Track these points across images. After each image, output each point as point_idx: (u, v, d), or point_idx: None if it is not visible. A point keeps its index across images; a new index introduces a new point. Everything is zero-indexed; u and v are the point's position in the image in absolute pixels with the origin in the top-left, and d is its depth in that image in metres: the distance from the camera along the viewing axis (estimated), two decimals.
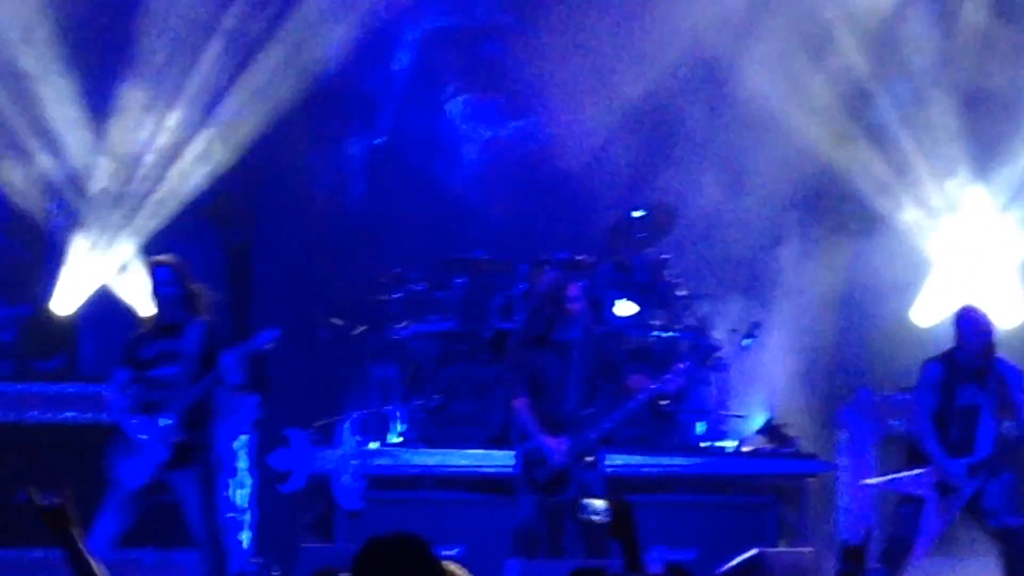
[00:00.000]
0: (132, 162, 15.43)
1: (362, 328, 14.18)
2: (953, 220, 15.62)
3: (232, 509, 14.03)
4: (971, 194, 15.56)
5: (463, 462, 13.89)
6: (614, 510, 8.41)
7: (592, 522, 10.83)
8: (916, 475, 11.91)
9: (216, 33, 15.67)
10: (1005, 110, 15.71)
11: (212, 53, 15.73)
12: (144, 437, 12.02)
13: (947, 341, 12.47)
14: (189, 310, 12.23)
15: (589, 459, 11.88)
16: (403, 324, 14.83)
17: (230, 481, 14.12)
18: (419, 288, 14.89)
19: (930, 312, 14.90)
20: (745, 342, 14.74)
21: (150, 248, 15.32)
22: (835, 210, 16.13)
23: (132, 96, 15.57)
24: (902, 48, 15.86)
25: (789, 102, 15.67)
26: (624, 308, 13.79)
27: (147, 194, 15.48)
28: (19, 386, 13.94)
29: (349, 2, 15.97)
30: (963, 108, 15.78)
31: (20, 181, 15.60)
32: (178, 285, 12.26)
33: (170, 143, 15.52)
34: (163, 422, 11.92)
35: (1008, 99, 15.75)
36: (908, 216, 15.55)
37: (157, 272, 12.47)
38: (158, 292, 12.36)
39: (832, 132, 15.71)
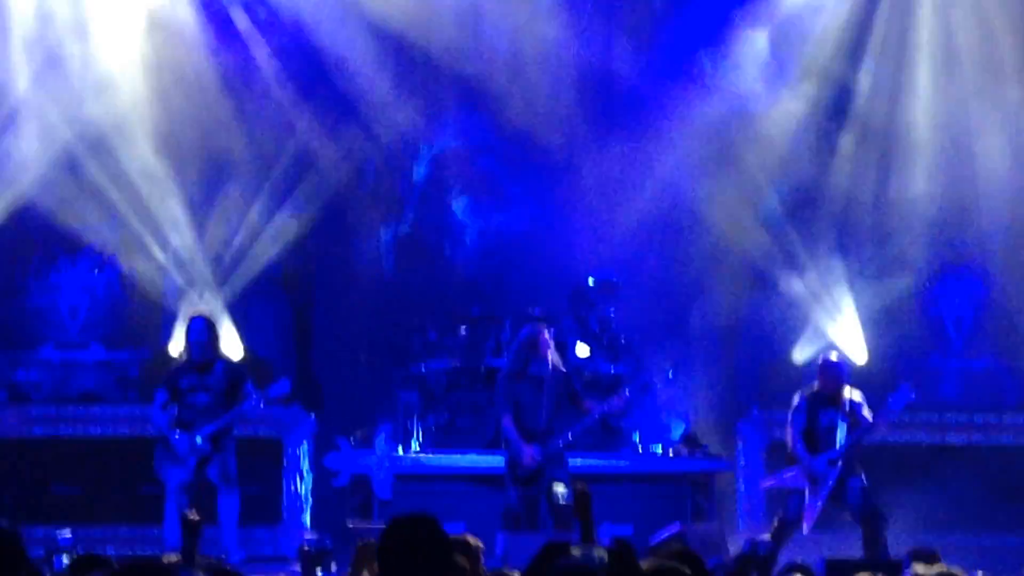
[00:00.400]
0: (224, 243, 15.39)
1: None
2: (821, 287, 15.44)
3: (296, 498, 14.19)
4: (834, 268, 15.49)
5: (465, 463, 13.95)
6: (575, 496, 8.83)
7: (559, 505, 11.51)
8: (793, 473, 12.23)
9: (286, 147, 15.53)
10: (856, 209, 15.75)
11: (284, 160, 15.58)
12: (183, 449, 12.06)
13: (814, 375, 12.66)
14: (215, 352, 12.52)
15: (556, 460, 11.94)
16: (421, 362, 14.80)
17: (296, 476, 14.21)
18: (432, 336, 14.95)
19: (803, 353, 14.78)
20: (669, 375, 14.73)
21: (237, 305, 15.40)
22: (736, 277, 15.81)
23: (225, 193, 15.49)
24: (789, 161, 15.83)
25: (709, 201, 15.59)
26: (581, 351, 13.91)
27: (235, 265, 15.38)
28: (141, 409, 13.66)
29: (384, 127, 15.64)
30: (830, 207, 15.66)
31: (143, 261, 15.36)
32: (207, 333, 12.53)
33: (252, 228, 15.47)
34: (198, 439, 11.99)
35: (860, 201, 15.76)
36: (790, 282, 15.42)
37: (192, 322, 12.74)
38: (190, 338, 12.56)
39: (736, 222, 15.62)
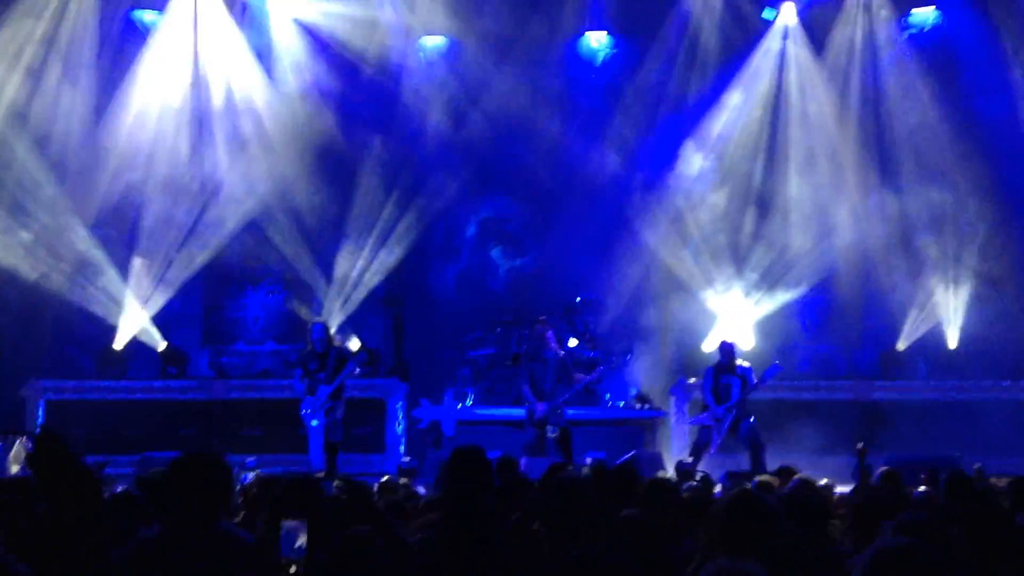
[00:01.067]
0: (344, 275, 15.18)
1: None
2: (726, 298, 15.31)
3: (394, 436, 13.94)
4: (734, 285, 15.33)
5: (500, 413, 13.64)
6: (561, 435, 8.86)
7: (556, 438, 11.63)
8: (705, 416, 12.29)
9: (384, 212, 15.24)
10: (752, 249, 15.54)
11: (383, 220, 15.25)
12: (312, 406, 11.99)
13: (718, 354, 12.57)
14: (329, 344, 12.33)
15: (556, 412, 11.90)
16: (472, 350, 14.80)
17: (395, 423, 14.03)
18: (478, 334, 14.91)
19: (710, 343, 14.49)
20: (628, 357, 14.42)
21: (354, 317, 15.24)
22: (671, 292, 15.35)
23: (345, 243, 15.27)
24: (710, 222, 15.55)
25: (659, 246, 15.43)
26: (572, 343, 13.76)
27: (353, 289, 15.22)
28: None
29: (449, 203, 15.57)
30: (735, 248, 15.54)
31: (298, 288, 15.47)
32: (324, 333, 12.33)
33: (364, 262, 15.21)
34: (319, 398, 11.91)
35: (755, 244, 15.58)
36: (706, 295, 15.32)
37: (315, 326, 12.47)
38: (313, 336, 12.27)
39: (675, 259, 15.45)
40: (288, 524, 2.95)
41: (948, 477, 6.23)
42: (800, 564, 3.90)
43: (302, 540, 2.90)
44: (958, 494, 5.93)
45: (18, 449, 10.43)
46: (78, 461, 2.03)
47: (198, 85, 15.17)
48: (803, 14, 15.83)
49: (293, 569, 2.87)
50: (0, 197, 14.01)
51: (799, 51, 15.84)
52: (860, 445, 10.16)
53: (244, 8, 15.41)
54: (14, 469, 9.93)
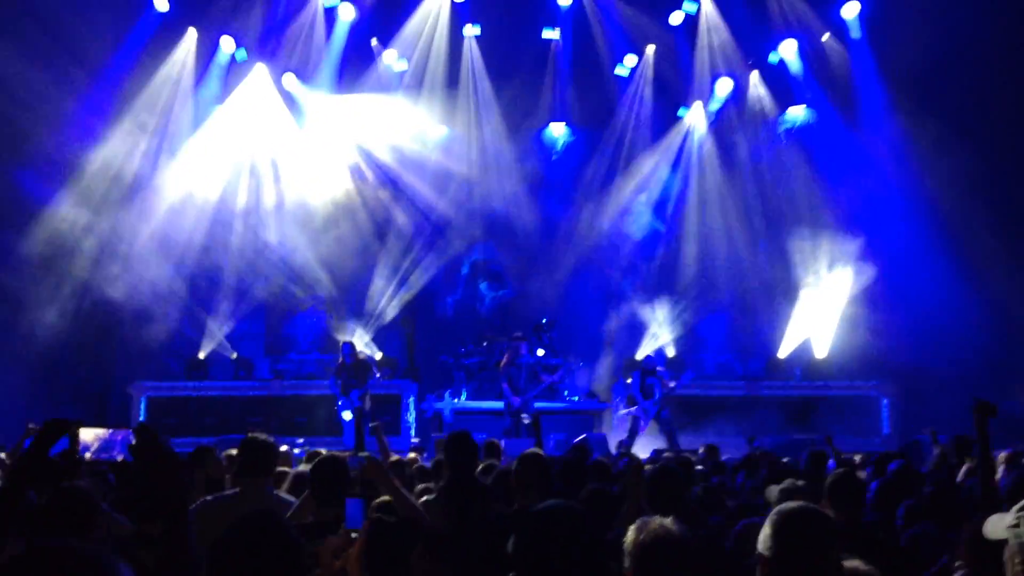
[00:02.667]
0: (375, 306, 15.01)
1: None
2: (655, 317, 14.97)
3: (406, 423, 13.65)
4: (664, 306, 15.00)
5: (486, 406, 13.39)
6: (533, 418, 8.70)
7: (528, 424, 11.35)
8: (636, 408, 12.13)
9: (403, 261, 15.12)
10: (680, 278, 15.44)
11: (402, 264, 15.12)
12: (345, 404, 11.98)
13: (645, 361, 12.47)
14: (355, 357, 12.24)
15: (528, 404, 11.83)
16: (465, 359, 14.48)
17: (408, 413, 13.79)
18: (470, 347, 14.65)
19: (642, 352, 14.30)
20: (582, 364, 14.54)
21: (378, 335, 15.06)
22: (613, 312, 15.12)
23: (371, 281, 15.17)
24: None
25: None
26: (540, 352, 13.47)
27: (377, 316, 15.04)
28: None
29: (450, 250, 15.37)
30: (665, 277, 15.36)
31: (335, 312, 15.23)
32: (352, 348, 12.33)
33: (387, 294, 15.02)
34: (352, 398, 11.89)
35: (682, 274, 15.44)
36: (641, 313, 14.98)
37: (344, 345, 12.41)
38: (344, 351, 12.16)
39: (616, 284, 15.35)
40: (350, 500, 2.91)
41: (809, 453, 6.18)
42: (701, 519, 3.89)
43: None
44: (817, 464, 5.95)
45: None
46: (167, 448, 2.00)
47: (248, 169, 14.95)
48: (710, 112, 15.92)
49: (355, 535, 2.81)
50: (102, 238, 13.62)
51: (706, 141, 15.90)
52: (752, 439, 10.22)
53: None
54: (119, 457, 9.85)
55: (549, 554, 1.80)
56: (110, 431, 9.64)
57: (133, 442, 1.96)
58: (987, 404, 3.92)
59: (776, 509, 2.21)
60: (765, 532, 2.16)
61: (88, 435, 9.13)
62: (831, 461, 6.23)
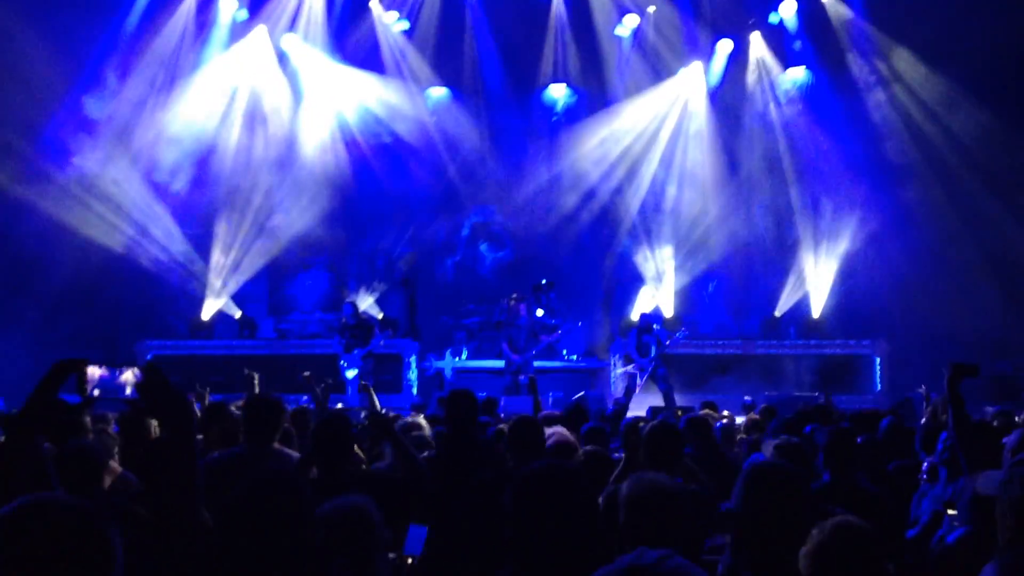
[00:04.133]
0: (376, 268, 15.10)
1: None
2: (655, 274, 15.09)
3: (408, 381, 13.63)
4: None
5: (487, 364, 13.49)
6: (529, 380, 8.74)
7: (527, 384, 11.37)
8: (632, 366, 12.13)
9: (408, 223, 15.16)
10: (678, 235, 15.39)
11: (407, 224, 15.20)
12: (348, 362, 12.06)
13: (642, 320, 12.50)
14: (357, 317, 12.29)
15: (528, 363, 11.96)
16: (466, 319, 14.68)
17: (409, 371, 13.77)
18: (471, 307, 14.80)
19: (636, 312, 14.28)
20: (579, 324, 14.51)
21: (384, 296, 15.09)
22: (612, 273, 15.28)
23: (374, 246, 15.23)
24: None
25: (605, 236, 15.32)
26: (539, 312, 13.49)
27: (382, 277, 15.06)
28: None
29: (452, 213, 15.35)
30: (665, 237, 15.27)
31: (337, 272, 15.29)
32: (353, 309, 12.36)
33: (388, 260, 15.12)
34: (355, 356, 12.04)
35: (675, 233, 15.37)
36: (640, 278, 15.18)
37: (345, 306, 12.47)
38: (346, 312, 12.24)
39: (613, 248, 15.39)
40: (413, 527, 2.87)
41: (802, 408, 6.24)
42: (694, 473, 3.93)
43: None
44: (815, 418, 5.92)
45: (129, 376, 10.32)
46: (174, 387, 1.97)
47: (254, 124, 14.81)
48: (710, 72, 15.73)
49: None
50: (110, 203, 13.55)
51: (705, 101, 15.69)
52: (748, 399, 10.27)
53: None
54: (128, 390, 9.79)
55: (544, 513, 1.79)
56: (114, 370, 9.62)
57: (140, 379, 1.94)
58: (964, 366, 3.90)
59: (746, 465, 2.25)
60: (737, 488, 2.17)
61: (95, 374, 9.10)
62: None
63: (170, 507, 1.85)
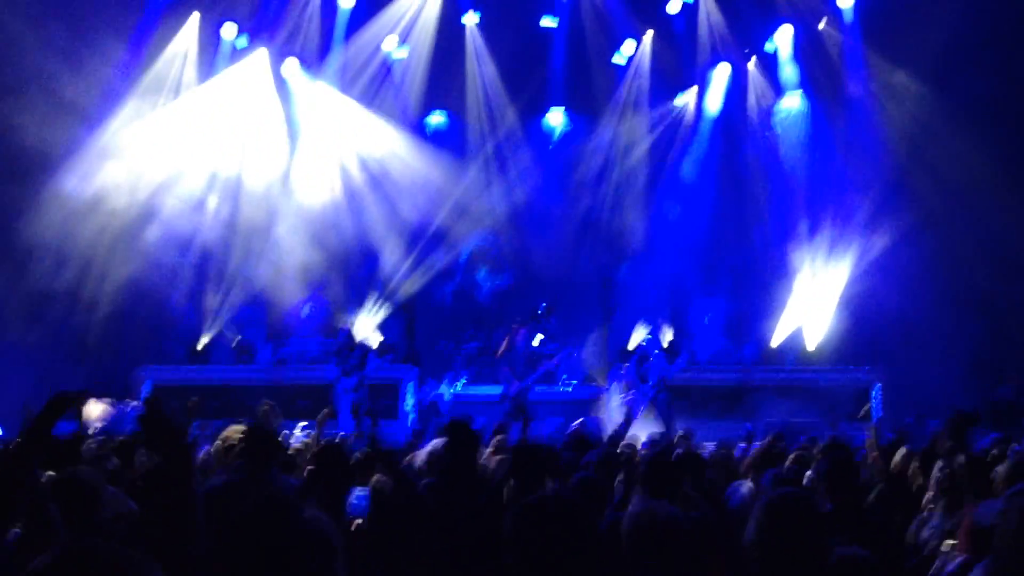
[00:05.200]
0: (377, 295, 15.02)
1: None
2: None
3: (404, 409, 13.52)
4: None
5: (483, 392, 13.40)
6: (516, 401, 8.37)
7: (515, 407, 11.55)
8: (633, 393, 12.17)
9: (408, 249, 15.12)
10: None
11: (408, 250, 15.14)
12: (344, 387, 12.04)
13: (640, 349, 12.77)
14: (353, 342, 12.38)
15: (526, 391, 11.89)
16: (464, 345, 14.64)
17: (407, 397, 13.69)
18: (469, 333, 14.81)
19: (633, 340, 14.33)
20: (579, 350, 14.35)
21: (384, 321, 15.06)
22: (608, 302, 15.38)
23: (378, 266, 15.17)
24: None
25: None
26: (537, 339, 13.29)
27: (382, 303, 14.92)
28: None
29: (452, 241, 15.39)
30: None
31: (334, 302, 15.23)
32: (348, 335, 12.49)
33: (389, 287, 15.00)
34: (352, 381, 12.00)
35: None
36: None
37: (340, 331, 12.63)
38: (340, 339, 12.47)
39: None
40: (356, 490, 2.85)
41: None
42: (693, 502, 3.90)
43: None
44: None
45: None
46: (173, 422, 2.03)
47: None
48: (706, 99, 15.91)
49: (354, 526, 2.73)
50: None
51: (702, 128, 15.85)
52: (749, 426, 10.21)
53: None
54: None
55: (542, 545, 1.78)
56: (118, 404, 9.57)
57: (143, 412, 2.00)
58: (967, 415, 3.94)
59: (763, 495, 2.22)
60: (752, 518, 2.17)
61: (95, 410, 9.05)
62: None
63: (167, 535, 1.88)
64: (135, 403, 9.96)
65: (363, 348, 12.70)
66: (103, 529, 3.47)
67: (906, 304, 13.38)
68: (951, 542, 3.38)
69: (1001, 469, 3.88)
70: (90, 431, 7.18)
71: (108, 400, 9.75)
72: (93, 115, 13.01)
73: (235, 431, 4.41)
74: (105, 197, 13.28)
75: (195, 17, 14.54)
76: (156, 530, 3.26)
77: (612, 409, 13.11)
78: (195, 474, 2.02)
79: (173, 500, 1.94)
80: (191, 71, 14.57)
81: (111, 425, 9.04)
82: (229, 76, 14.74)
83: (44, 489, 3.26)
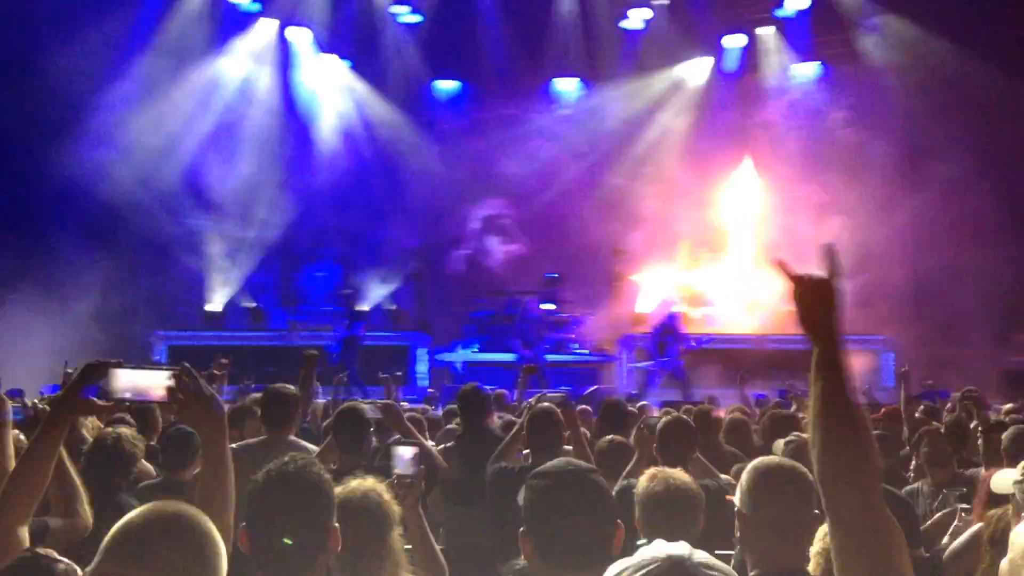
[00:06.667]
0: (389, 262, 15.12)
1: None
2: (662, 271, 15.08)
3: (415, 373, 13.56)
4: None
5: (496, 358, 13.41)
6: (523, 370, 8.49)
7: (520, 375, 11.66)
8: (649, 363, 12.30)
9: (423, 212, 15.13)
10: None
11: (418, 214, 15.14)
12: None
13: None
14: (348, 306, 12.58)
15: (540, 356, 12.24)
16: (476, 312, 14.51)
17: (418, 363, 13.76)
18: (482, 300, 14.75)
19: (643, 304, 14.24)
20: (590, 316, 14.23)
21: (397, 290, 15.19)
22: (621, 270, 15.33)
23: (386, 238, 15.15)
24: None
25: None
26: (547, 306, 13.48)
27: (395, 271, 15.03)
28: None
29: (465, 206, 15.33)
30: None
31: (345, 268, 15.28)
32: (347, 298, 12.71)
33: (398, 249, 15.13)
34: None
35: None
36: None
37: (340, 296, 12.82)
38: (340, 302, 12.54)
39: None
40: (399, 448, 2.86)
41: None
42: (707, 468, 3.90)
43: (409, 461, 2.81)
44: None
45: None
46: (207, 391, 1.98)
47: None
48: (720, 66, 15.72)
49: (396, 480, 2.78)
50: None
51: (714, 94, 15.70)
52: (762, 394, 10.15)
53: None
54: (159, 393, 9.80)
55: (557, 514, 1.78)
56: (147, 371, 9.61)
57: (172, 384, 1.96)
58: (977, 398, 3.92)
59: (751, 464, 2.21)
60: (741, 487, 2.15)
61: (127, 379, 9.13)
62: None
63: (203, 507, 1.89)
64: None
65: (353, 314, 12.64)
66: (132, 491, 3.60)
67: (921, 269, 13.29)
68: (964, 506, 3.40)
69: (1005, 437, 3.92)
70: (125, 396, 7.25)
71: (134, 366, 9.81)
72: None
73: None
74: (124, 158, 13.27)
75: None
76: (179, 497, 3.43)
77: (622, 376, 13.11)
78: (228, 451, 1.99)
79: (209, 473, 1.92)
80: (199, 34, 14.48)
81: (139, 394, 9.07)
82: (241, 46, 14.69)
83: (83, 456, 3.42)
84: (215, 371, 5.64)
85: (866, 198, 14.21)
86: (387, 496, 2.38)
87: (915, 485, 4.30)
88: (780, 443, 4.30)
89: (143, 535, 1.38)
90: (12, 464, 2.29)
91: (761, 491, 2.11)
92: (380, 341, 13.39)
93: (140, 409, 4.79)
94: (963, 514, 3.33)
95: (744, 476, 2.20)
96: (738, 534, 2.15)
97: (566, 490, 1.81)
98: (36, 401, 6.07)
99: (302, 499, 1.85)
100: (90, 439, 3.79)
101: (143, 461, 4.15)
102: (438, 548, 2.82)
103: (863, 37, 14.85)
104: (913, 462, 4.51)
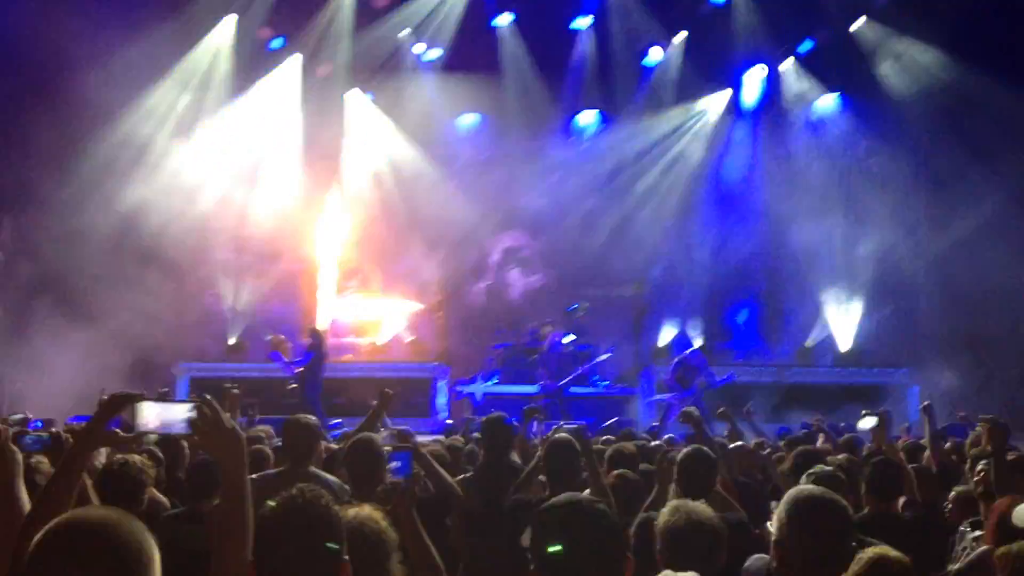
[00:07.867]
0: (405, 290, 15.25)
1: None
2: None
3: (435, 405, 13.65)
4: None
5: (515, 390, 13.26)
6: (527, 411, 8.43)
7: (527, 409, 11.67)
8: (671, 396, 12.16)
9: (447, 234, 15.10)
10: None
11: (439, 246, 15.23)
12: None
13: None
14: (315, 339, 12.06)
15: (560, 389, 12.11)
16: (496, 344, 14.50)
17: (439, 395, 13.76)
18: (501, 332, 14.74)
19: (663, 340, 14.43)
20: (612, 350, 13.95)
21: (417, 322, 15.17)
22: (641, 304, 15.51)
23: (409, 263, 15.34)
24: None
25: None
26: (570, 338, 13.19)
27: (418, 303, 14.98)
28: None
29: (485, 237, 15.43)
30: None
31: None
32: (318, 336, 12.23)
33: (418, 283, 15.16)
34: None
35: None
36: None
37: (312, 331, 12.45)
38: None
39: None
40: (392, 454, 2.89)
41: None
42: (727, 501, 3.88)
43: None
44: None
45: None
46: (228, 422, 2.01)
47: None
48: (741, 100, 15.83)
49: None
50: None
51: (736, 128, 15.82)
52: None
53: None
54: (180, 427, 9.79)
55: (564, 550, 1.77)
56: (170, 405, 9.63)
57: (194, 416, 1.97)
58: (1004, 429, 3.93)
59: (789, 495, 2.20)
60: (778, 518, 2.14)
61: (150, 411, 9.17)
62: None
63: (222, 538, 1.88)
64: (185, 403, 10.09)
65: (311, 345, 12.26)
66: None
67: (949, 304, 13.16)
68: (978, 532, 3.36)
69: None
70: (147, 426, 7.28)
71: (158, 399, 9.85)
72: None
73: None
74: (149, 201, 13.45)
75: (231, 19, 14.76)
76: (199, 527, 3.43)
77: (643, 409, 13.01)
78: (248, 483, 2.00)
79: (229, 503, 1.93)
80: (225, 67, 14.70)
81: (162, 427, 9.10)
82: (267, 82, 14.95)
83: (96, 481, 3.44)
84: (223, 401, 5.66)
85: (893, 226, 14.06)
86: (385, 523, 2.39)
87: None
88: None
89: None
90: (27, 509, 2.31)
91: (799, 521, 2.08)
92: (400, 373, 13.37)
93: (168, 443, 4.81)
94: (974, 543, 3.32)
95: (782, 507, 2.17)
96: (774, 564, 2.11)
97: (570, 525, 1.80)
98: (62, 431, 6.15)
99: (310, 532, 1.84)
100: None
101: (155, 492, 4.16)
102: (435, 553, 2.80)
103: (883, 65, 14.88)
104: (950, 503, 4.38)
